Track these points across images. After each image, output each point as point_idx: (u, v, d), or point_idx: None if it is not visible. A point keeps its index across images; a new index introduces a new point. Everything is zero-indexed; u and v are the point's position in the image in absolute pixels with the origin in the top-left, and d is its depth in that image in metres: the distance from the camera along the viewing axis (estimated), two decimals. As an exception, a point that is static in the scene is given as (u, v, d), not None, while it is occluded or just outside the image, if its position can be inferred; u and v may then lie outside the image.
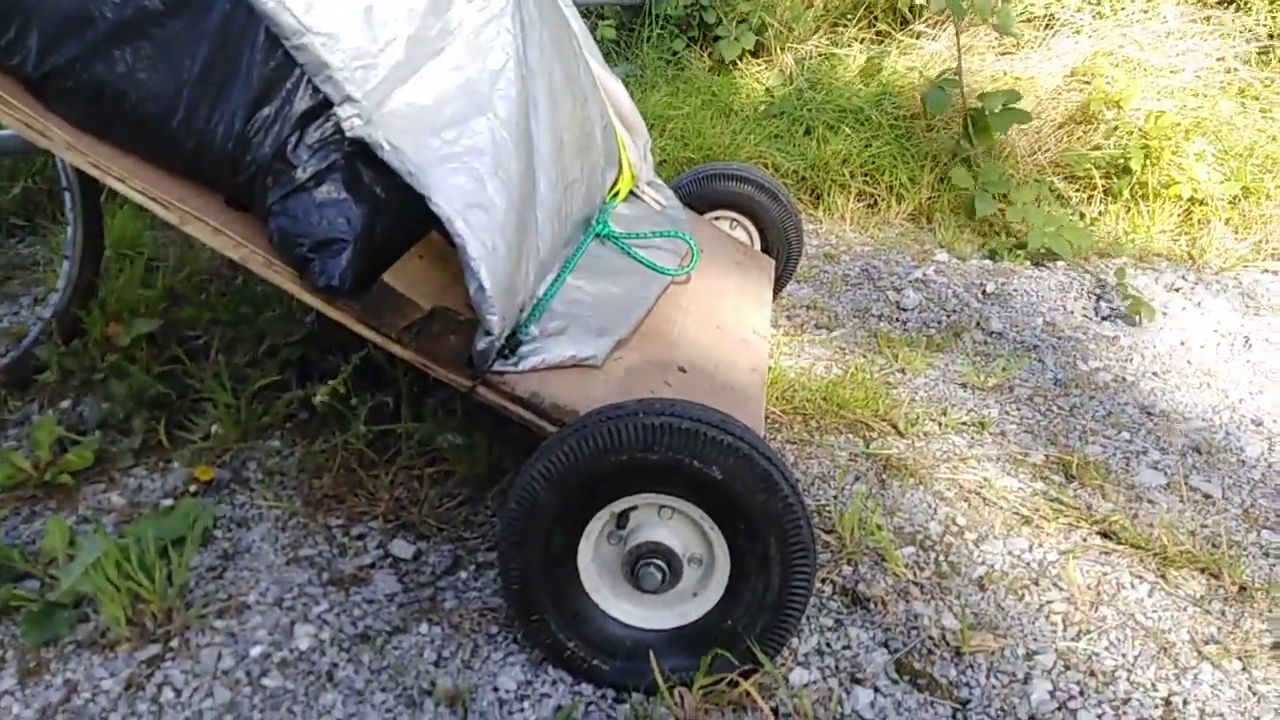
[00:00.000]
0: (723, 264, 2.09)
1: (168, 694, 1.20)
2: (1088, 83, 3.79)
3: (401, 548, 1.50)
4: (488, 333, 1.25)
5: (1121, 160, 3.59)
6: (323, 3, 1.18)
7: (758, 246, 2.41)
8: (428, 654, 1.30)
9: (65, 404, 1.85)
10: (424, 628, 1.35)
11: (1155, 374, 2.39)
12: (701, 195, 2.38)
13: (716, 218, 2.40)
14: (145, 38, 1.20)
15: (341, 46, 1.20)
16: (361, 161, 1.27)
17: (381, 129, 1.22)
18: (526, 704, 1.24)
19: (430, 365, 1.33)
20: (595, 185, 1.81)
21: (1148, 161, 3.52)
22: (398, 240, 1.33)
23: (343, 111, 1.24)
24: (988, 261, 3.16)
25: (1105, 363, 2.45)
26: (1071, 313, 2.79)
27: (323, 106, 1.26)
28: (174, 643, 1.28)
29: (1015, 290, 2.90)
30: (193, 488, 1.62)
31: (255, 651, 1.28)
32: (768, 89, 4.29)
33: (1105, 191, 3.62)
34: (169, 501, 1.58)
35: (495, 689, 1.25)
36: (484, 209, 1.21)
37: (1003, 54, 4.11)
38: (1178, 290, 3.00)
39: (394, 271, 1.29)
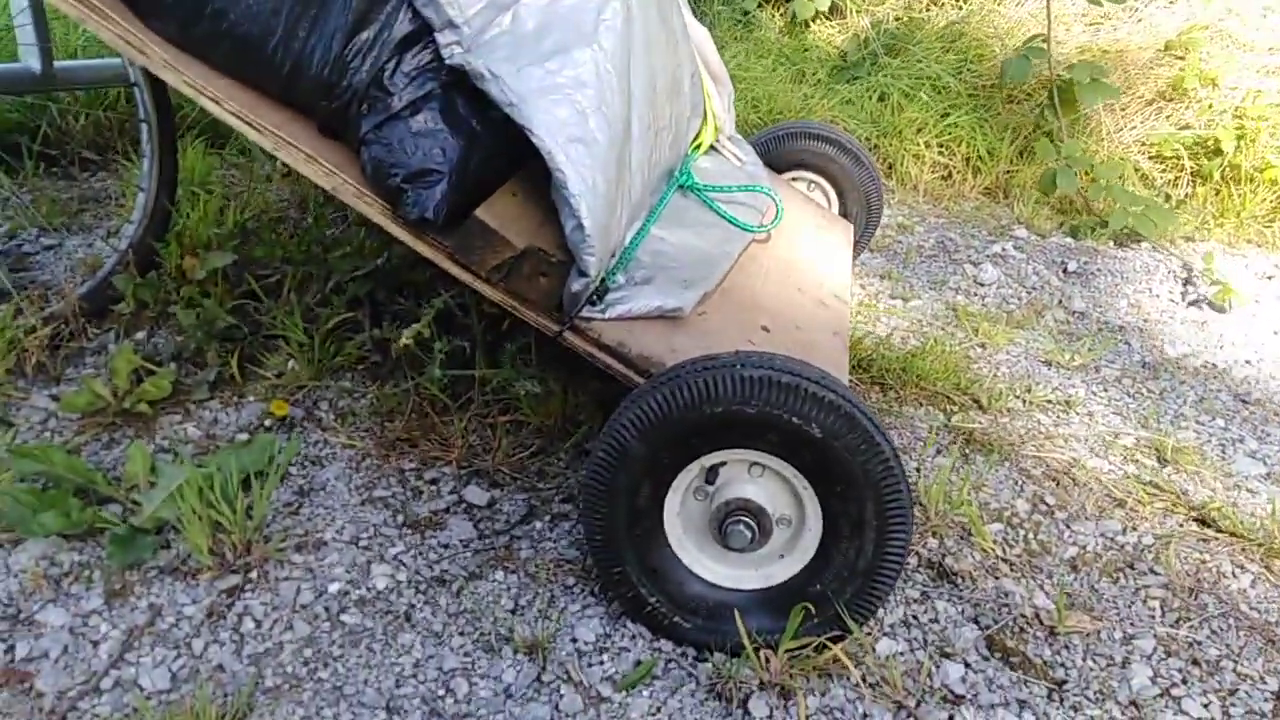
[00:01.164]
0: (802, 226, 2.03)
1: (248, 624, 1.19)
2: (1181, 58, 3.62)
3: (476, 494, 1.48)
4: (583, 274, 1.21)
5: (1213, 141, 3.43)
6: (430, -78, 1.13)
7: (835, 210, 2.34)
8: (504, 601, 1.28)
9: (140, 335, 1.85)
10: (500, 575, 1.33)
11: (1248, 362, 2.28)
12: (780, 154, 2.31)
13: (794, 179, 2.33)
14: (246, -47, 1.16)
15: (446, -31, 1.15)
16: (459, 91, 1.23)
17: (482, 57, 1.17)
18: (605, 656, 1.21)
19: (519, 307, 1.29)
20: (681, 134, 1.75)
21: (1241, 143, 3.36)
22: (492, 175, 1.29)
23: (443, 38, 1.19)
24: (1069, 240, 3.04)
25: (1194, 349, 2.34)
26: (1157, 296, 2.68)
27: (422, 32, 1.22)
28: (253, 574, 1.27)
29: (1098, 270, 2.80)
30: (267, 423, 1.61)
31: (333, 588, 1.26)
32: (842, 52, 4.17)
33: (1194, 173, 3.47)
34: (245, 436, 1.57)
35: (574, 639, 1.23)
36: (586, 144, 1.16)
37: (1091, 24, 3.94)
38: (1270, 279, 2.87)
39: (486, 207, 1.25)
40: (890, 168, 3.54)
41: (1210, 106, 3.48)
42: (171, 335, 1.82)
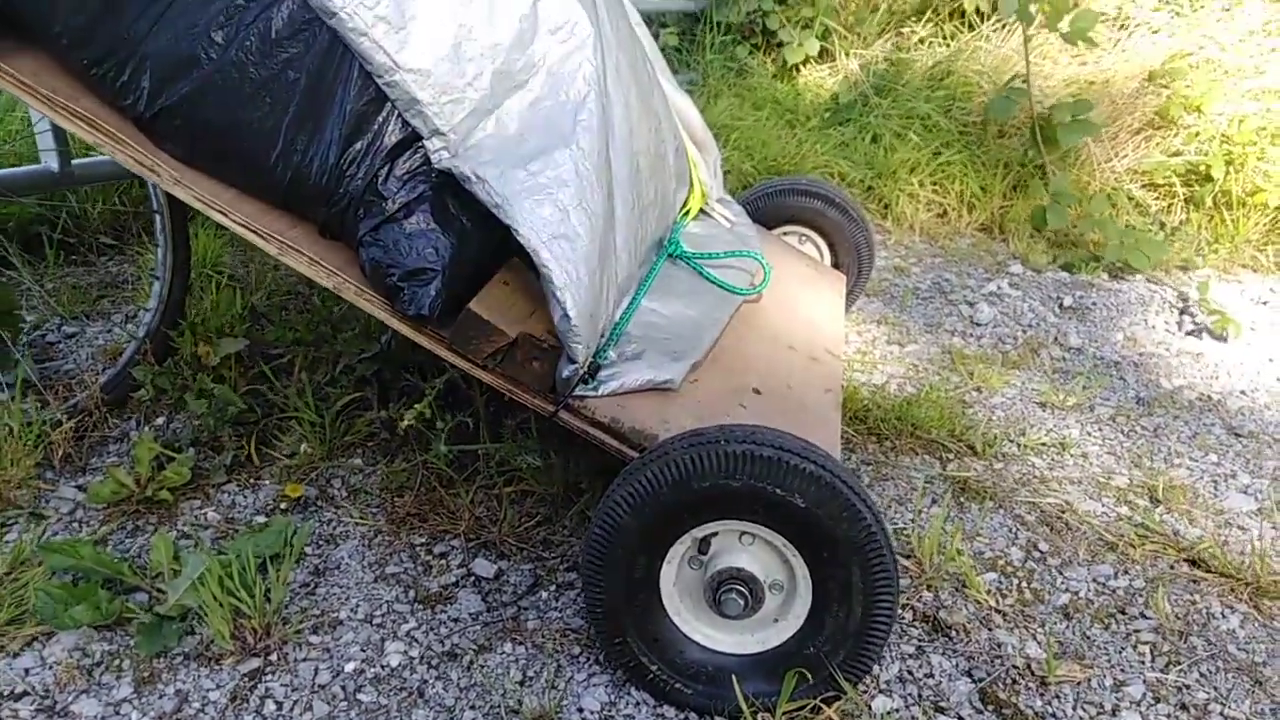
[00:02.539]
0: (793, 281, 2.09)
1: (270, 707, 1.25)
2: (1166, 86, 3.69)
3: (483, 567, 1.54)
4: (572, 361, 1.28)
5: (1203, 167, 3.48)
6: (414, 41, 1.22)
7: (828, 261, 2.40)
8: (513, 673, 1.33)
9: (160, 421, 1.93)
10: (508, 647, 1.38)
11: (1243, 392, 2.32)
12: (771, 210, 2.38)
13: (786, 233, 2.40)
14: (247, 78, 1.25)
15: (431, 82, 1.24)
16: (448, 192, 1.31)
17: (468, 161, 1.25)
18: (610, 726, 1.26)
19: (514, 391, 1.36)
20: (668, 205, 1.83)
21: (1230, 168, 3.42)
22: (483, 267, 1.36)
23: (431, 145, 1.28)
24: (1064, 274, 3.09)
25: (1190, 380, 2.38)
26: (1153, 328, 2.72)
27: (412, 140, 1.30)
28: (273, 657, 1.33)
29: (1094, 304, 2.84)
30: (283, 504, 1.68)
31: (350, 667, 1.32)
32: (833, 95, 4.26)
33: (1186, 200, 3.52)
34: (262, 519, 1.63)
35: (580, 709, 1.28)
36: (568, 239, 1.24)
37: (1075, 56, 4.02)
38: (1265, 304, 2.90)
39: (479, 298, 1.32)
40: (886, 208, 3.61)
41: (1198, 134, 3.54)
42: (189, 420, 1.90)
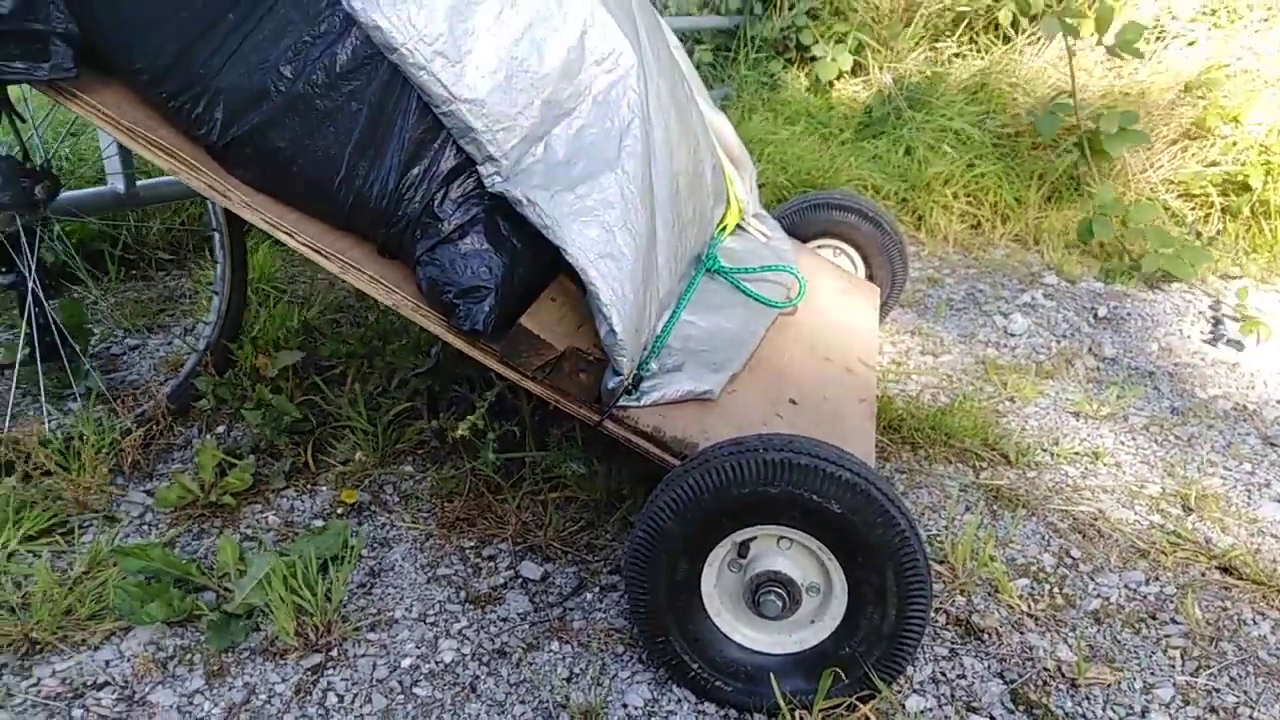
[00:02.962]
0: (828, 294, 2.14)
1: (331, 699, 1.32)
2: (1203, 97, 3.69)
3: (530, 569, 1.61)
4: (617, 373, 1.35)
5: (1240, 177, 3.48)
6: (469, 74, 1.30)
7: (862, 273, 2.45)
8: (560, 670, 1.40)
9: (220, 429, 2.02)
10: (555, 645, 1.45)
11: (1278, 402, 2.33)
12: (805, 224, 2.44)
13: (820, 246, 2.46)
14: (313, 109, 1.34)
15: (485, 112, 1.31)
16: (500, 214, 1.39)
17: (520, 185, 1.33)
18: (654, 720, 1.32)
19: (562, 401, 1.43)
20: (706, 222, 1.89)
21: (1269, 178, 3.41)
22: (533, 284, 1.44)
23: (484, 170, 1.35)
24: (1099, 284, 3.11)
25: (1224, 390, 2.39)
26: (1188, 337, 2.73)
27: (466, 164, 1.38)
28: (334, 652, 1.40)
29: (1129, 314, 2.86)
30: (339, 509, 1.76)
31: (406, 663, 1.39)
32: (867, 108, 4.30)
33: (1223, 209, 3.52)
34: (320, 522, 1.72)
35: (624, 705, 1.34)
36: (614, 258, 1.31)
37: (1112, 69, 4.02)
38: (1304, 312, 2.90)
39: (530, 314, 1.40)
40: (920, 220, 3.65)
41: (1235, 144, 3.54)
42: (249, 428, 1.99)
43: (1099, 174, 3.58)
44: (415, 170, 1.37)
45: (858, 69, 4.57)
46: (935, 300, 2.93)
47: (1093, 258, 3.37)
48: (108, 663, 1.38)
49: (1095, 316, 2.84)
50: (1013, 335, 2.70)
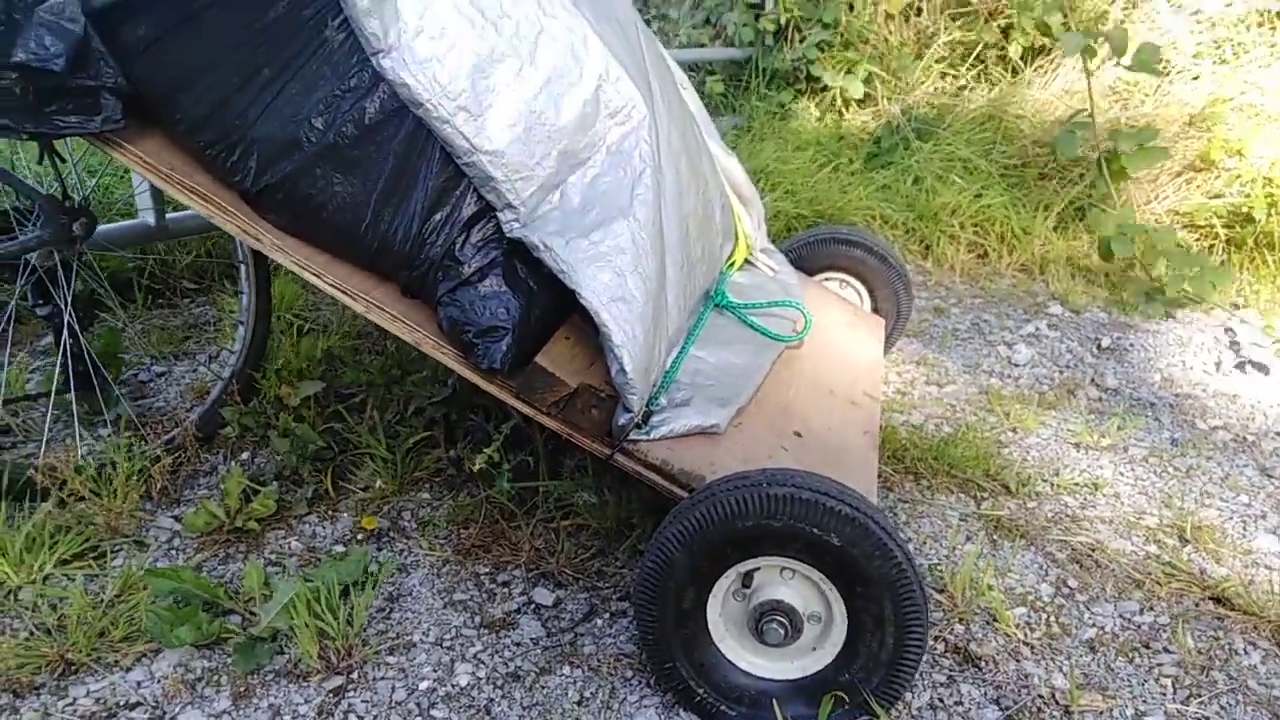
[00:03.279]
0: (834, 327, 2.21)
1: (353, 721, 1.39)
2: (1207, 130, 3.74)
3: (543, 595, 1.67)
4: (627, 410, 1.41)
5: (1245, 209, 3.53)
6: (490, 127, 1.37)
7: (867, 306, 2.51)
8: (571, 694, 1.46)
9: (245, 456, 2.10)
10: (566, 669, 1.50)
11: (1278, 434, 2.37)
12: (812, 258, 2.50)
13: (827, 279, 2.52)
14: (343, 158, 1.42)
15: (504, 162, 1.39)
16: (518, 258, 1.46)
17: (537, 232, 1.40)
18: (661, 744, 1.37)
19: (574, 435, 1.50)
20: (714, 259, 1.96)
21: (1272, 210, 3.46)
22: (548, 323, 1.51)
23: (503, 216, 1.43)
24: (1103, 314, 3.16)
25: (1225, 421, 2.44)
26: (1191, 368, 2.78)
27: (486, 211, 1.45)
28: (355, 675, 1.47)
29: (1132, 345, 2.91)
30: (359, 535, 1.83)
31: (423, 685, 1.45)
32: (875, 138, 4.38)
33: (1227, 241, 3.57)
34: (340, 548, 1.79)
35: (633, 729, 1.39)
36: (625, 301, 1.38)
37: (1118, 100, 4.09)
38: (1305, 344, 2.94)
39: (544, 352, 1.47)
40: (927, 249, 3.71)
41: (1239, 177, 3.59)
42: (272, 455, 2.07)
43: (1102, 201, 3.63)
44: (438, 216, 1.44)
45: (867, 99, 4.65)
46: (941, 330, 2.98)
47: (1098, 286, 3.42)
48: (139, 684, 1.45)
49: (1099, 347, 2.89)
50: (1016, 365, 2.75)
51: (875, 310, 2.50)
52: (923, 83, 4.54)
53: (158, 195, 2.43)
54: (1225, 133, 3.66)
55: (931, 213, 3.76)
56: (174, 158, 1.51)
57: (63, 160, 1.89)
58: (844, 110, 4.62)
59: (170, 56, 1.41)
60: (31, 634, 1.49)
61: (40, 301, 1.90)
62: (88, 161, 2.45)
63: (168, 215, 2.53)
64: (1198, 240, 3.62)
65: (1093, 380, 2.67)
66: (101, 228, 2.40)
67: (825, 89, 4.69)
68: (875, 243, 2.48)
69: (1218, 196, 3.63)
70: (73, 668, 1.46)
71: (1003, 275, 3.56)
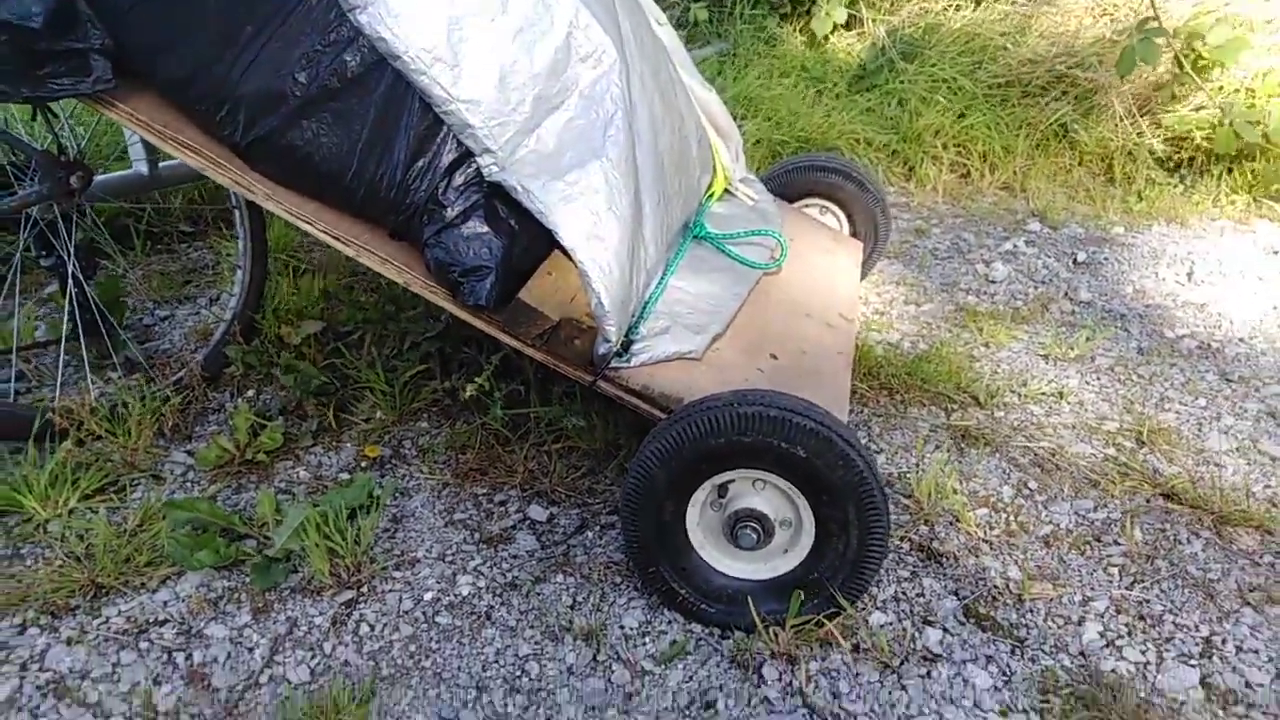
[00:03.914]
0: (812, 252, 2.29)
1: (364, 628, 1.52)
2: (1190, 42, 3.74)
3: (537, 512, 1.79)
4: (606, 340, 1.51)
5: (1225, 120, 3.55)
6: (466, 76, 1.44)
7: (846, 230, 2.58)
8: (564, 599, 1.59)
9: (250, 393, 2.20)
10: (560, 578, 1.63)
11: (1241, 340, 2.46)
12: (791, 185, 2.57)
13: (806, 205, 2.59)
14: (327, 110, 1.48)
15: (481, 110, 1.46)
16: (498, 199, 1.54)
17: (515, 175, 1.48)
18: (648, 639, 1.51)
19: (559, 365, 1.60)
20: (692, 192, 2.03)
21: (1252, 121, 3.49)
22: (530, 261, 1.59)
23: (482, 161, 1.50)
24: (1080, 230, 3.23)
25: (1192, 329, 2.53)
26: (1163, 279, 2.86)
27: (465, 156, 1.52)
28: (364, 589, 1.60)
29: (1107, 259, 2.98)
30: (363, 463, 1.95)
31: (428, 596, 1.58)
32: (860, 62, 4.38)
33: (1207, 154, 3.60)
34: (346, 475, 1.90)
35: (621, 627, 1.53)
36: (601, 239, 1.46)
37: (1104, 14, 4.08)
38: (1277, 253, 3.01)
39: (527, 288, 1.56)
40: (910, 171, 3.76)
41: (1220, 89, 3.61)
42: (276, 392, 2.17)
43: (1079, 122, 3.66)
44: (420, 163, 1.51)
45: (852, 22, 4.63)
46: (921, 251, 3.06)
47: (1078, 202, 3.47)
48: (165, 603, 1.58)
49: (1074, 262, 2.97)
50: (993, 283, 2.83)
51: (854, 234, 2.57)
52: (908, 3, 4.51)
53: (150, 145, 2.48)
54: (1209, 44, 3.67)
55: (915, 134, 3.79)
56: (165, 114, 1.57)
57: (55, 116, 1.95)
58: (829, 35, 4.60)
59: (155, 16, 1.46)
60: (63, 562, 1.61)
61: (44, 253, 1.98)
62: (78, 116, 2.50)
63: (161, 164, 2.59)
64: (1177, 153, 3.66)
65: (1066, 294, 2.75)
66: (98, 178, 2.46)
67: (809, 13, 4.66)
68: (853, 168, 2.54)
69: (1200, 109, 3.66)
70: (103, 590, 1.58)
71: (984, 194, 3.62)
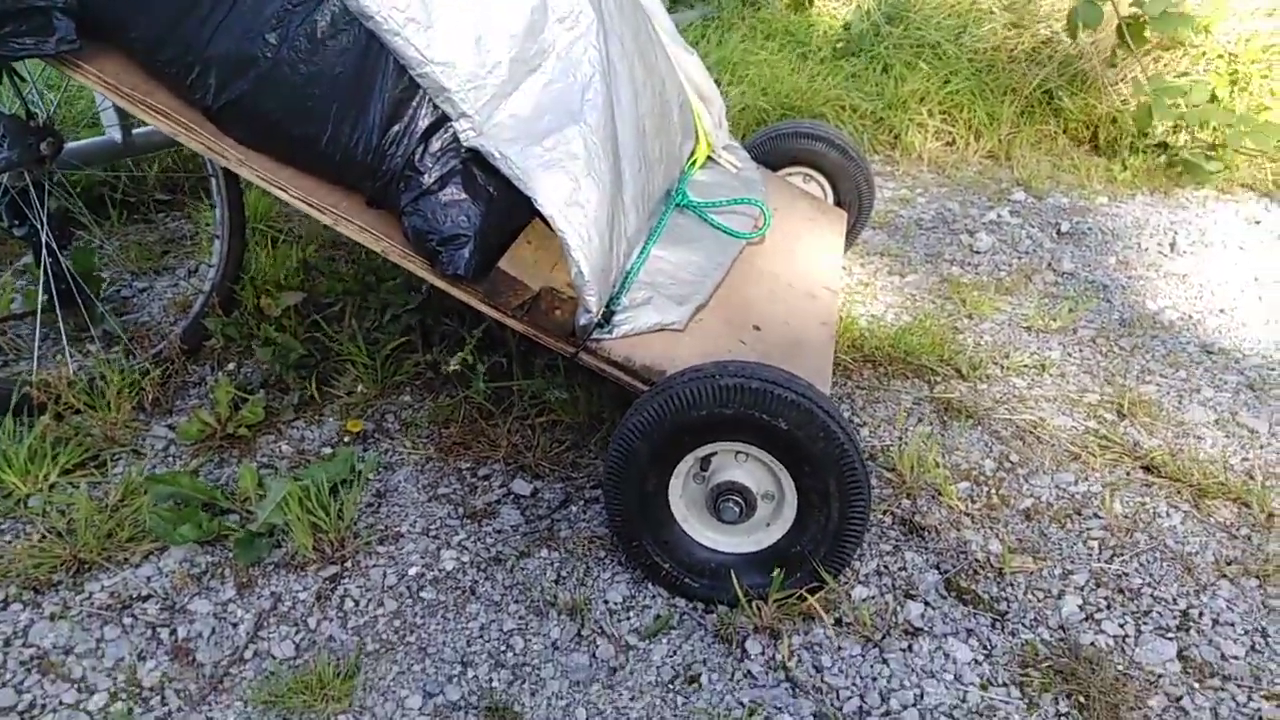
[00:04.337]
0: (795, 221, 2.27)
1: (349, 603, 1.51)
2: (1175, 6, 3.72)
3: (521, 486, 1.78)
4: (587, 310, 1.49)
5: (1209, 87, 3.54)
6: (440, 37, 1.40)
7: (830, 199, 2.56)
8: (549, 574, 1.58)
9: (231, 366, 2.18)
10: (544, 552, 1.63)
11: (1222, 311, 2.47)
12: (775, 153, 2.54)
13: (790, 173, 2.57)
14: (298, 73, 1.44)
15: (456, 72, 1.43)
16: (476, 165, 1.51)
17: (492, 140, 1.45)
18: (632, 614, 1.51)
19: (540, 336, 1.58)
20: (674, 159, 2.01)
21: (1235, 88, 3.48)
22: (509, 229, 1.57)
23: (459, 126, 1.47)
24: (1064, 199, 3.22)
25: (1174, 301, 2.54)
26: (1146, 250, 2.86)
27: (442, 121, 1.49)
28: (348, 564, 1.59)
29: (1090, 229, 2.98)
30: (345, 438, 1.93)
31: (412, 571, 1.58)
32: (845, 25, 4.33)
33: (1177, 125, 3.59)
34: (328, 450, 1.89)
35: (605, 601, 1.53)
36: (580, 206, 1.44)
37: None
38: (1258, 223, 3.02)
39: (507, 258, 1.53)
40: (896, 138, 3.73)
41: (1204, 54, 3.59)
42: (258, 365, 2.15)
43: (1068, 86, 3.64)
44: (396, 127, 1.48)
45: (837, -16, 4.56)
46: (906, 221, 3.05)
47: (1063, 171, 3.46)
48: (149, 578, 1.57)
49: (1058, 232, 2.97)
50: (977, 253, 2.83)
51: (838, 203, 2.55)
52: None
53: (123, 111, 2.42)
54: (1192, 9, 3.64)
55: (900, 101, 3.76)
56: (134, 78, 1.53)
57: (22, 80, 1.90)
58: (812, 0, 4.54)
59: (122, -25, 1.42)
60: (44, 537, 1.60)
61: (16, 222, 1.94)
62: (48, 80, 2.44)
63: (134, 131, 2.54)
64: (1160, 120, 3.65)
65: (1049, 265, 2.75)
66: (69, 145, 2.40)
67: (796, -27, 4.59)
68: (837, 136, 2.51)
69: (1184, 75, 3.64)
70: (86, 566, 1.57)
71: (969, 163, 3.60)
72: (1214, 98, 3.36)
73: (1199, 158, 3.26)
